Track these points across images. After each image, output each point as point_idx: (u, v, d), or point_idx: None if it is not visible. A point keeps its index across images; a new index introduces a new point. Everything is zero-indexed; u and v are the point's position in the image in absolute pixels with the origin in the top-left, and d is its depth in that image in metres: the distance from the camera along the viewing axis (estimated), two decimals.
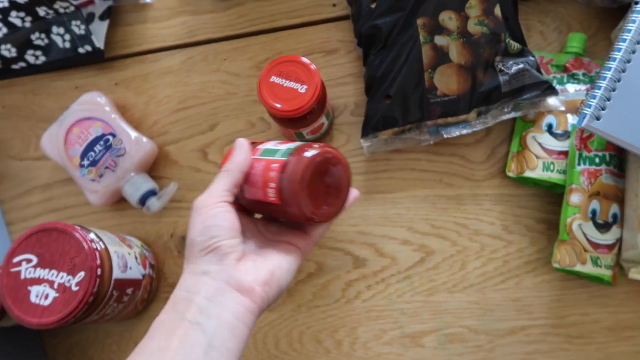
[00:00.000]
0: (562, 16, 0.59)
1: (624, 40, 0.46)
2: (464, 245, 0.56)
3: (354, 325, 0.56)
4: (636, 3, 0.47)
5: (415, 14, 0.52)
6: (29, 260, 0.47)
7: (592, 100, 0.46)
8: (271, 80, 0.50)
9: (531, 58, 0.53)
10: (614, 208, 0.50)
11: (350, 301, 0.56)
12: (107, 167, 0.57)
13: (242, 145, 0.42)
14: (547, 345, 0.53)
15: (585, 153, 0.51)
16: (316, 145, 0.39)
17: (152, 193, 0.58)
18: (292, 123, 0.52)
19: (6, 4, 0.61)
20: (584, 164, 0.51)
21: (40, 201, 0.63)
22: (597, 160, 0.51)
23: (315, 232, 0.43)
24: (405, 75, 0.52)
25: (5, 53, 0.63)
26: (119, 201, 0.60)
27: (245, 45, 0.63)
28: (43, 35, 0.63)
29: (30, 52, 0.63)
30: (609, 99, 0.46)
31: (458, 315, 0.54)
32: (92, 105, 0.59)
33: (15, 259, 0.47)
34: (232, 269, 0.37)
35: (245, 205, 0.43)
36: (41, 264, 0.47)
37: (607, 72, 0.46)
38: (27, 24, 0.62)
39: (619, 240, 0.50)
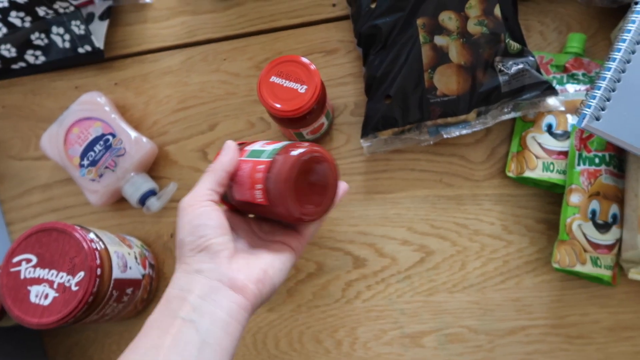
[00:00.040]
0: (561, 16, 0.59)
1: (624, 41, 0.46)
2: (463, 246, 0.56)
3: (354, 325, 0.56)
4: (636, 3, 0.47)
5: (415, 14, 0.52)
6: (28, 260, 0.47)
7: (591, 100, 0.46)
8: (271, 80, 0.50)
9: (531, 58, 0.53)
10: (614, 208, 0.50)
11: (350, 301, 0.56)
12: (107, 167, 0.57)
13: (229, 146, 0.42)
14: (547, 345, 0.53)
15: (585, 153, 0.51)
16: (301, 145, 0.39)
17: (152, 193, 0.58)
18: (292, 123, 0.52)
19: (6, 4, 0.61)
20: (584, 164, 0.51)
21: (40, 201, 0.63)
22: (596, 160, 0.51)
23: (307, 230, 0.43)
24: (405, 75, 0.52)
25: (5, 53, 0.63)
26: (118, 201, 0.60)
27: (245, 45, 0.63)
28: (43, 35, 0.63)
29: (30, 52, 0.63)
30: (608, 99, 0.46)
31: (458, 315, 0.54)
32: (92, 105, 0.59)
33: (15, 259, 0.47)
34: (225, 267, 0.37)
35: (236, 206, 0.43)
36: (41, 264, 0.47)
37: (606, 73, 0.46)
38: (27, 24, 0.62)
39: (619, 241, 0.50)
